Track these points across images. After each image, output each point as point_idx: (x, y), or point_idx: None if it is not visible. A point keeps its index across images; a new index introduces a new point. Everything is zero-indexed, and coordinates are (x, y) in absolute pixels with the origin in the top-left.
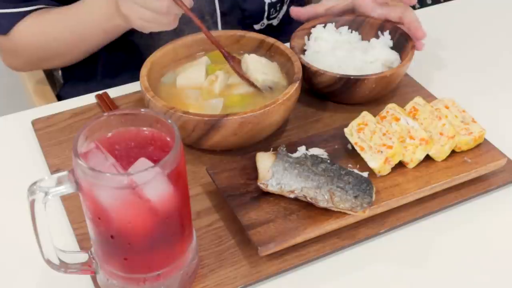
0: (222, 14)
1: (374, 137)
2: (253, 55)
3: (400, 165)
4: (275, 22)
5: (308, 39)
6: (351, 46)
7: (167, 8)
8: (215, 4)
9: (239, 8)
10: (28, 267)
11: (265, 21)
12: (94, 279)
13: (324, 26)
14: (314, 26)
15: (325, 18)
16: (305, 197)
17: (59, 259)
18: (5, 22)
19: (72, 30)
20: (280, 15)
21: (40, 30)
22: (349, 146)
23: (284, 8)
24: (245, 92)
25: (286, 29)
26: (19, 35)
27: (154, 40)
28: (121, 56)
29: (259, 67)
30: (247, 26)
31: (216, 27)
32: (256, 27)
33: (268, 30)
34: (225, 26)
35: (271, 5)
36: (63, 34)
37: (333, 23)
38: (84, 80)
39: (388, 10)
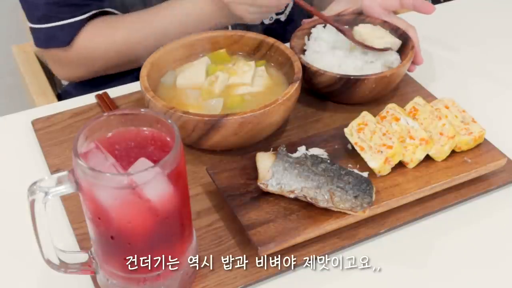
0: None
1: (374, 137)
2: (362, 25)
3: (400, 165)
4: (282, 17)
5: (308, 39)
6: (351, 46)
7: (277, 1)
8: None
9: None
10: (28, 267)
11: (273, 16)
12: (94, 279)
13: (324, 26)
14: (314, 26)
15: (326, 18)
16: (305, 197)
17: (59, 259)
18: (64, 34)
19: (162, 32)
20: (287, 11)
21: (118, 35)
22: (349, 146)
23: (291, 4)
24: (245, 92)
25: (292, 25)
26: (83, 44)
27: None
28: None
29: (372, 33)
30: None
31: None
32: (266, 21)
33: (276, 25)
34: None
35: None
36: (146, 39)
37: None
38: (84, 80)
39: (393, 21)
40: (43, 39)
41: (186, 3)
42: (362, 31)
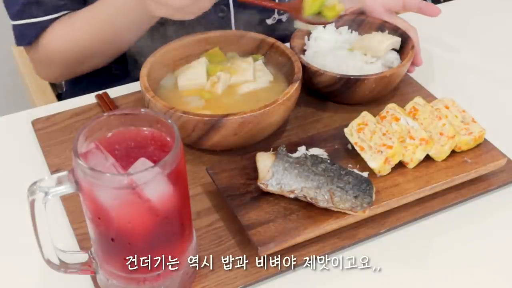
0: (235, 8)
1: (374, 137)
2: (360, 37)
3: (400, 165)
4: (284, 18)
5: (308, 39)
6: (351, 46)
7: (179, 2)
8: None
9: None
10: (28, 267)
11: (276, 16)
12: (94, 279)
13: (324, 26)
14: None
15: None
16: (305, 197)
17: (59, 259)
18: (31, 32)
19: (101, 26)
20: None
21: (70, 33)
22: (349, 146)
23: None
24: (247, 92)
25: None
26: (48, 43)
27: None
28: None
29: (371, 40)
30: (259, 20)
31: (229, 22)
32: (269, 21)
33: (279, 26)
34: (238, 21)
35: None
36: (94, 32)
37: (333, 23)
38: (84, 80)
39: (394, 22)
40: (16, 37)
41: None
42: (363, 42)
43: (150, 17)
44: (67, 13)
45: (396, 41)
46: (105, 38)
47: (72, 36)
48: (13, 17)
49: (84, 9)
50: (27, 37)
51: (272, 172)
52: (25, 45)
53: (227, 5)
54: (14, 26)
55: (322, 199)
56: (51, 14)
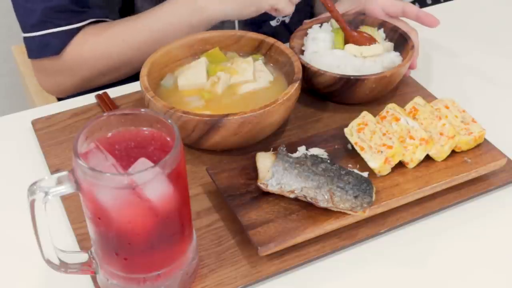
0: None
1: (374, 137)
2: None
3: (400, 165)
4: (287, 19)
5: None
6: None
7: None
8: None
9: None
10: (28, 267)
11: (280, 17)
12: (94, 279)
13: (320, 26)
14: (311, 27)
15: (326, 18)
16: (305, 197)
17: (59, 259)
18: (58, 41)
19: (147, 41)
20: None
21: (104, 44)
22: (349, 146)
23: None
24: (247, 92)
25: (298, 26)
26: (74, 52)
27: None
28: None
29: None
30: (263, 22)
31: (233, 23)
32: (272, 23)
33: (283, 28)
34: (242, 22)
35: None
36: (135, 47)
37: (331, 23)
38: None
39: (395, 24)
40: (36, 48)
41: (166, 10)
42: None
43: (206, 24)
44: (94, 22)
45: (383, 48)
46: (146, 51)
47: (106, 49)
48: (32, 28)
49: (125, 21)
50: (51, 47)
51: (272, 172)
52: (50, 55)
53: None
54: (31, 38)
55: (322, 199)
56: (77, 22)
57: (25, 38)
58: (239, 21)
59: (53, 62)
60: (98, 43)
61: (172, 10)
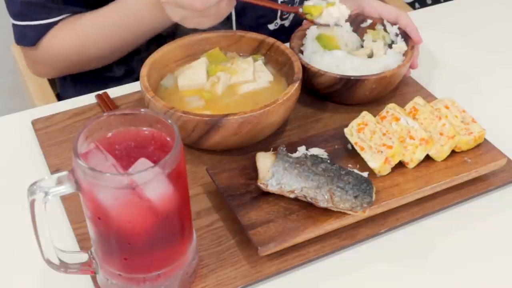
0: (237, 13)
1: (374, 137)
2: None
3: (400, 165)
4: (287, 23)
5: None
6: (349, 48)
7: (201, 4)
8: None
9: (253, 6)
10: (28, 267)
11: (278, 21)
12: (94, 279)
13: (317, 26)
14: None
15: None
16: (305, 197)
17: (59, 259)
18: (32, 34)
19: (111, 33)
20: (291, 16)
21: (75, 38)
22: (349, 146)
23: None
24: (247, 92)
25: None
26: (49, 46)
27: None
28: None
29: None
30: (261, 25)
31: (231, 27)
32: (271, 27)
33: (281, 31)
34: (240, 25)
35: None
36: (103, 40)
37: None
38: (84, 80)
39: (386, 11)
40: (17, 37)
41: (130, 3)
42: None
43: (166, 22)
44: (68, 16)
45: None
46: (114, 44)
47: (77, 41)
48: (14, 17)
49: (91, 14)
50: (28, 38)
51: (272, 172)
52: (25, 45)
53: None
54: (15, 26)
55: (322, 199)
56: (53, 17)
57: (12, 24)
58: (237, 24)
59: (31, 52)
60: (70, 38)
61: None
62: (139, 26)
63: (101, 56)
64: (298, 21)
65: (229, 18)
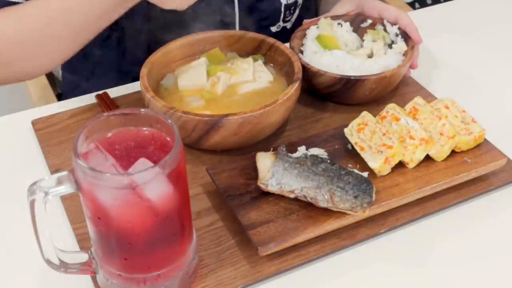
0: (241, 15)
1: (374, 137)
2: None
3: (400, 165)
4: (289, 25)
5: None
6: (349, 48)
7: None
8: (234, 4)
9: (256, 8)
10: (28, 267)
11: (281, 23)
12: (94, 279)
13: (318, 27)
14: (309, 28)
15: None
16: (305, 197)
17: (59, 259)
18: None
19: (55, 18)
20: (293, 19)
21: (11, 25)
22: (349, 146)
23: (297, 12)
24: (247, 92)
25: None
26: None
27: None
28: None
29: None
30: (264, 27)
31: (234, 28)
32: (273, 29)
33: (283, 33)
34: (243, 27)
35: (286, 7)
36: (43, 27)
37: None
38: (84, 80)
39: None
40: None
41: None
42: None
43: (125, 3)
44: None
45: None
46: (57, 32)
47: (12, 29)
48: None
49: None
50: None
51: (272, 172)
52: None
53: (233, 8)
54: None
55: (322, 199)
56: None
57: None
58: (240, 27)
59: None
60: (7, 26)
61: None
62: (91, 10)
63: (41, 50)
64: (300, 23)
65: (232, 20)
